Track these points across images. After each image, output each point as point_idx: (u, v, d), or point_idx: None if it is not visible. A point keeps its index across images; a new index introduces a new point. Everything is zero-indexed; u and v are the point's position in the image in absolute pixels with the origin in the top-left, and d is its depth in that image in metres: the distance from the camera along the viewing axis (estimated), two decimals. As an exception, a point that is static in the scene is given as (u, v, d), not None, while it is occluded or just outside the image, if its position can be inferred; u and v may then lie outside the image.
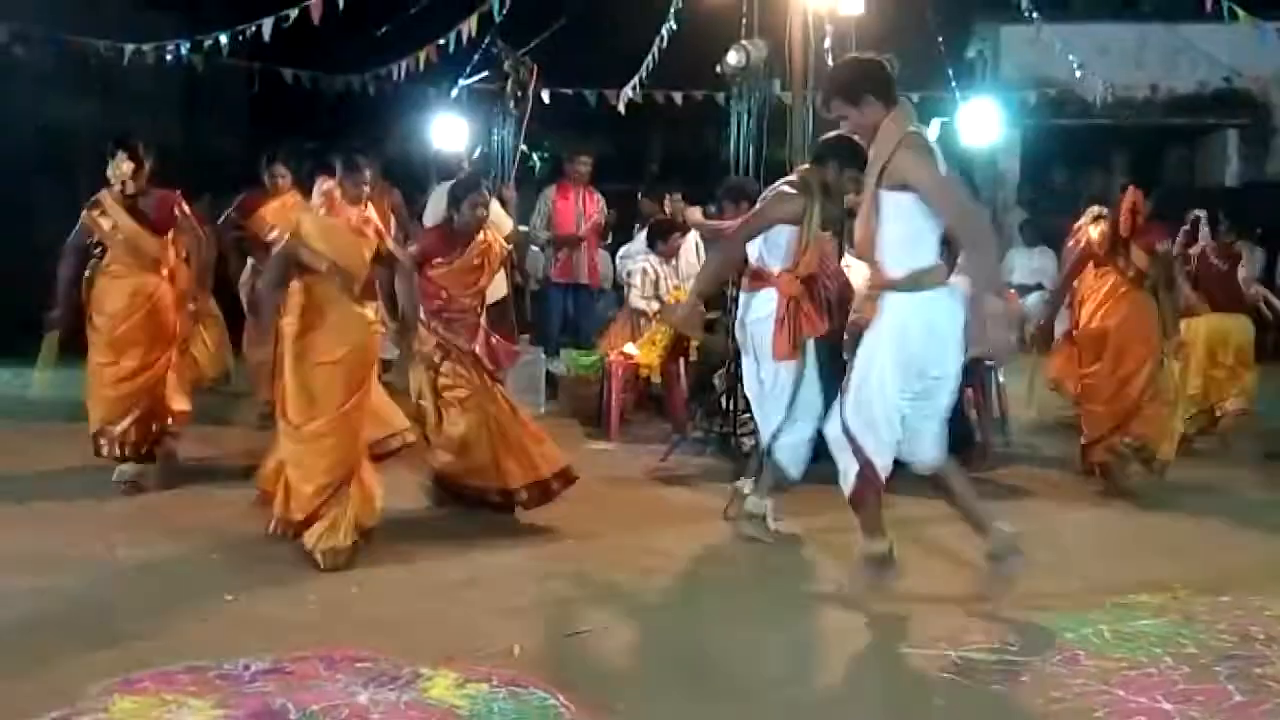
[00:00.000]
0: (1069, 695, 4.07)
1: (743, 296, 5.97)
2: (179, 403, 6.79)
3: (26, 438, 7.89)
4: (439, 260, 6.08)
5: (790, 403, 5.73)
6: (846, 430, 4.80)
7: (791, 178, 5.92)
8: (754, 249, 5.84)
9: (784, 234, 5.73)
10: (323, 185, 5.52)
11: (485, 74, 10.47)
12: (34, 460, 7.25)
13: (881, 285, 4.82)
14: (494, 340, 6.37)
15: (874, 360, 4.77)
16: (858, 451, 4.79)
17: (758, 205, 6.00)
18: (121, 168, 6.51)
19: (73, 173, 7.91)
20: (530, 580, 5.22)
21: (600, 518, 6.24)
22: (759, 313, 5.80)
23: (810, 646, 4.53)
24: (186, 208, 6.85)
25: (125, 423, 6.58)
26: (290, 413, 5.39)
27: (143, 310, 6.62)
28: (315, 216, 5.51)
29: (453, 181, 6.86)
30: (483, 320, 6.33)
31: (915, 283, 4.74)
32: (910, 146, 4.72)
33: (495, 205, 7.25)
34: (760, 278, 5.85)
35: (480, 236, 6.19)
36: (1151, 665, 4.34)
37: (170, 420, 6.76)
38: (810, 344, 5.82)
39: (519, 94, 9.88)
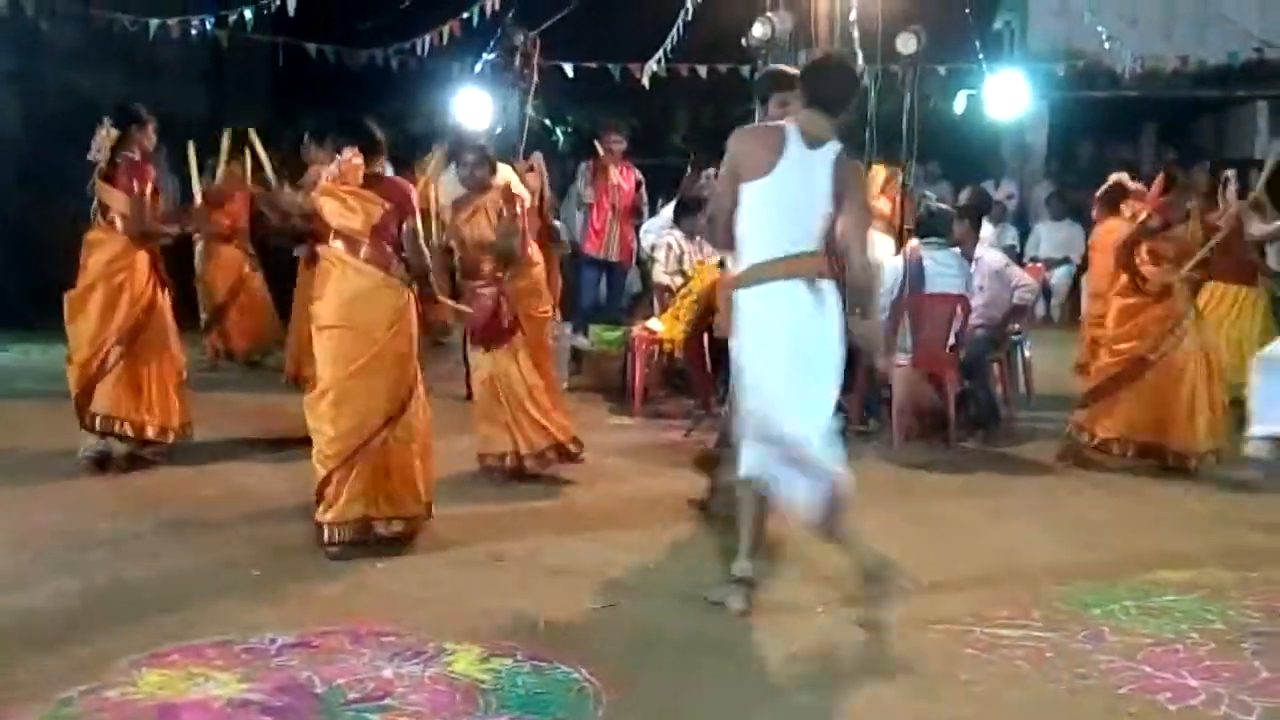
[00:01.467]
0: (1095, 671, 4.06)
1: None
2: None
3: (55, 413, 7.92)
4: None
5: None
6: None
7: None
8: None
9: None
10: (346, 155, 5.49)
11: (493, 49, 10.44)
12: (61, 436, 7.28)
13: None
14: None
15: None
16: None
17: None
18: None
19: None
20: (553, 556, 5.23)
21: (622, 494, 6.25)
22: None
23: (836, 621, 4.51)
24: None
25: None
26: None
27: None
28: (323, 184, 5.51)
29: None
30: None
31: None
32: None
33: (513, 176, 7.26)
34: None
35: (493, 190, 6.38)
36: (1178, 641, 4.32)
37: None
38: None
39: (524, 69, 9.85)
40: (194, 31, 11.11)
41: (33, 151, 12.14)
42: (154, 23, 10.74)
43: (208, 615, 4.41)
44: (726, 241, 4.62)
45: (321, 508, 5.16)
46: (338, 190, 5.35)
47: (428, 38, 11.38)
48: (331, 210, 5.34)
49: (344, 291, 5.29)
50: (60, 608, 4.49)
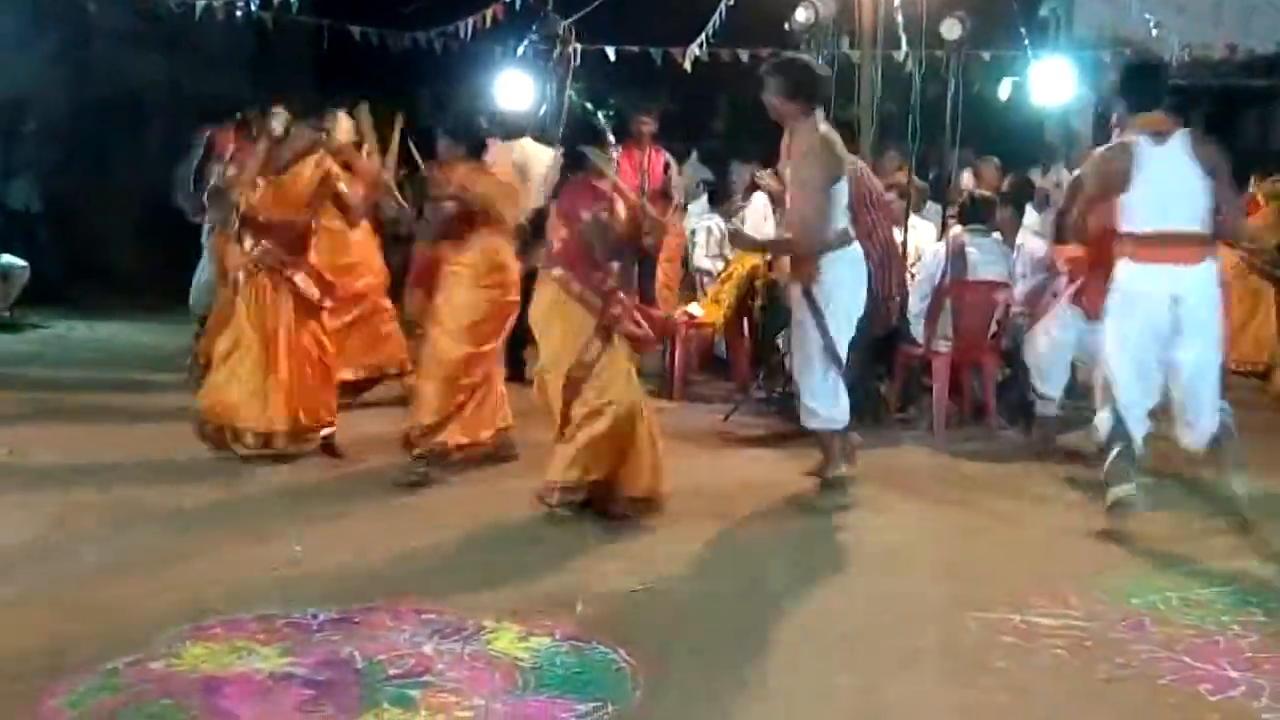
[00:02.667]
0: (1134, 661, 4.04)
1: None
2: None
3: (101, 388, 8.03)
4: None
5: None
6: None
7: None
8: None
9: None
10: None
11: (534, 33, 10.45)
12: (108, 411, 7.39)
13: None
14: None
15: None
16: None
17: None
18: None
19: (145, 129, 8.03)
20: (594, 538, 5.25)
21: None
22: None
23: (872, 608, 4.51)
24: None
25: None
26: None
27: None
28: None
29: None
30: None
31: None
32: None
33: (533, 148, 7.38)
34: None
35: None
36: (1219, 633, 4.29)
37: None
38: None
39: (560, 56, 9.88)
40: (238, 14, 11.18)
41: (79, 132, 12.28)
42: (199, 5, 10.80)
43: (251, 590, 4.46)
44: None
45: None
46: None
47: (470, 21, 11.40)
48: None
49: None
50: (105, 580, 4.55)
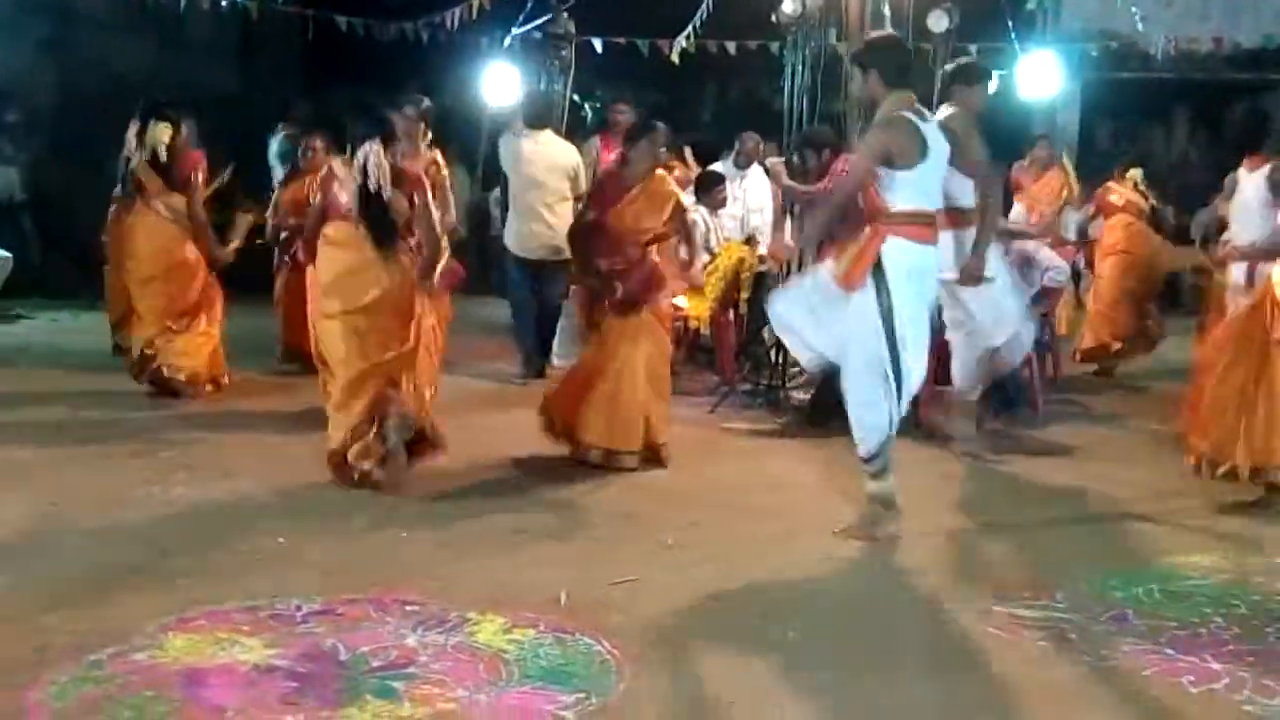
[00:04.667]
0: (1117, 654, 4.06)
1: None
2: None
3: (89, 380, 8.00)
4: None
5: None
6: None
7: None
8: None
9: None
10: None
11: (540, 22, 10.42)
12: (94, 402, 7.36)
13: None
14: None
15: None
16: None
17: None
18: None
19: (130, 118, 8.01)
20: (578, 528, 5.26)
21: (646, 470, 6.26)
22: None
23: (856, 601, 4.52)
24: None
25: None
26: None
27: None
28: None
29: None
30: None
31: None
32: None
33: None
34: None
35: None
36: (1201, 625, 4.32)
37: None
38: None
39: (563, 54, 9.88)
40: (224, 3, 11.13)
41: (65, 122, 12.22)
42: (184, -5, 10.76)
43: (234, 581, 4.45)
44: None
45: None
46: None
47: (457, 11, 11.36)
48: None
49: None
50: (88, 572, 4.53)
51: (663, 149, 6.65)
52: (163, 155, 7.43)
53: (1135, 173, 9.70)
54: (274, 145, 10.48)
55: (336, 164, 5.86)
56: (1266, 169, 6.68)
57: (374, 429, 5.67)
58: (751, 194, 9.21)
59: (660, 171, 6.60)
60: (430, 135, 7.12)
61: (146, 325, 7.56)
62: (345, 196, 5.72)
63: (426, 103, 7.08)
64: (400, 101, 6.75)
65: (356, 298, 5.67)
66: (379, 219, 5.65)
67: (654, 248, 6.41)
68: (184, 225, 7.55)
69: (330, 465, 5.76)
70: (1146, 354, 9.53)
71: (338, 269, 5.75)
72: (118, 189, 7.63)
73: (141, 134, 7.43)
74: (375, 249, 5.67)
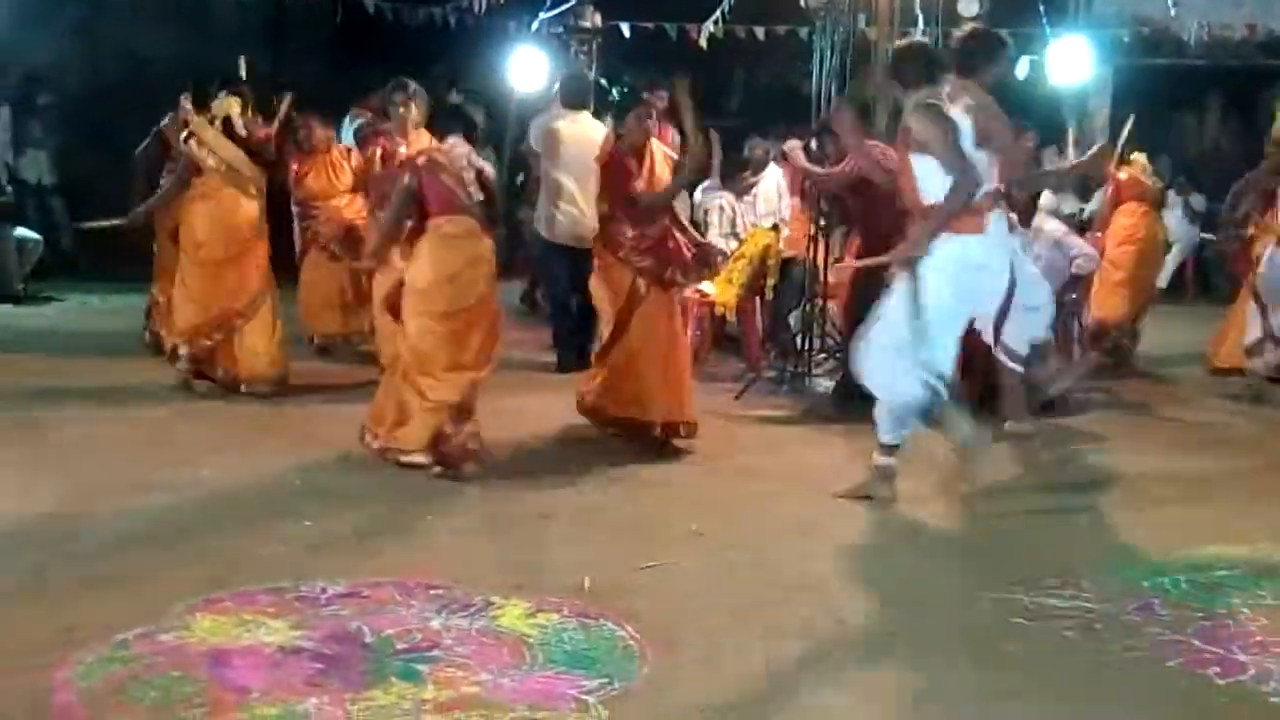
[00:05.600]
0: (1144, 644, 4.03)
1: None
2: None
3: (116, 361, 8.05)
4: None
5: None
6: None
7: None
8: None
9: None
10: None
11: (565, 8, 10.41)
12: (122, 383, 7.41)
13: None
14: None
15: None
16: None
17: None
18: None
19: (158, 103, 8.07)
20: (602, 514, 5.26)
21: (672, 455, 6.26)
22: None
23: (881, 587, 4.51)
24: None
25: None
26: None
27: None
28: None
29: None
30: None
31: None
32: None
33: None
34: None
35: None
36: (1229, 616, 4.28)
37: None
38: None
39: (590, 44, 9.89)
40: (252, -12, 11.19)
41: (92, 106, 12.28)
42: (214, -22, 10.81)
43: (261, 563, 4.48)
44: None
45: None
46: None
47: (485, -4, 11.39)
48: None
49: None
50: (115, 553, 4.57)
51: (651, 120, 6.58)
52: (239, 129, 7.20)
53: (1140, 157, 9.48)
54: (347, 129, 10.42)
55: (441, 150, 5.74)
56: None
57: (463, 426, 5.63)
58: (761, 201, 9.05)
59: (653, 140, 6.56)
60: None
61: (198, 311, 7.14)
62: (455, 185, 5.57)
63: (414, 86, 7.18)
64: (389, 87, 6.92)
65: (465, 298, 5.54)
66: (493, 214, 5.57)
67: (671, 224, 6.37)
68: (252, 198, 7.25)
69: (432, 453, 5.64)
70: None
71: (450, 268, 5.55)
72: (170, 174, 7.48)
73: (201, 110, 7.25)
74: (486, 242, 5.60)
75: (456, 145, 5.57)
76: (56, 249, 11.27)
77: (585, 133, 8.24)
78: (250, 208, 7.23)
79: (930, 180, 5.22)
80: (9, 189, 11.15)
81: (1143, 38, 14.34)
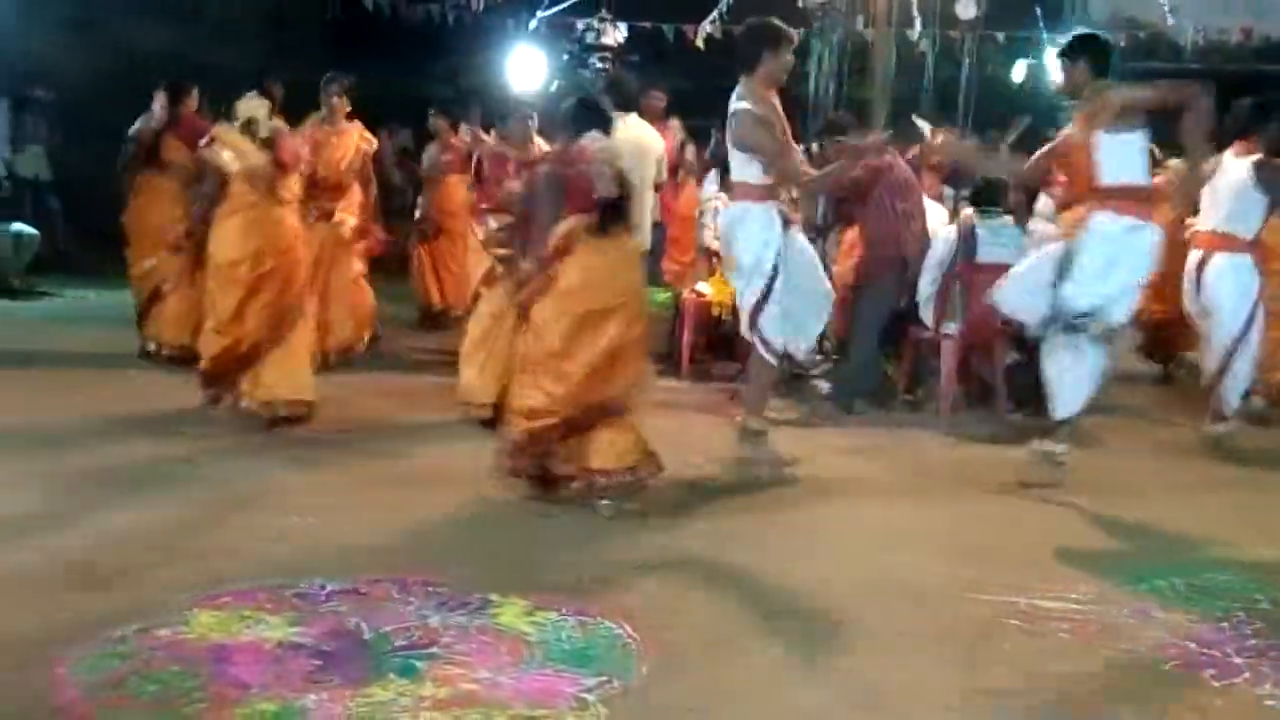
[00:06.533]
0: (1139, 646, 4.05)
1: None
2: None
3: (112, 355, 8.05)
4: None
5: None
6: None
7: None
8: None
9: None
10: None
11: (585, 45, 10.43)
12: (121, 379, 7.41)
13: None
14: None
15: None
16: None
17: None
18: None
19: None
20: (601, 515, 5.26)
21: (668, 455, 6.25)
22: None
23: (878, 587, 4.52)
24: None
25: None
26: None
27: None
28: None
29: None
30: None
31: None
32: None
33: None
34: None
35: None
36: (1224, 620, 4.29)
37: None
38: None
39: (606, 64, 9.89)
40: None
41: (89, 102, 12.28)
42: (212, -27, 10.81)
43: (260, 560, 4.48)
44: None
45: None
46: None
47: (482, -8, 11.40)
48: None
49: None
50: (114, 548, 4.57)
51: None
52: (262, 131, 6.49)
53: (1176, 163, 9.27)
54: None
55: (593, 147, 5.41)
56: (1252, 158, 6.67)
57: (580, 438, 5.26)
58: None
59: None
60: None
61: (225, 340, 6.41)
62: (601, 184, 5.29)
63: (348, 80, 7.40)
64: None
65: (607, 299, 5.25)
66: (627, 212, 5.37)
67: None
68: (286, 205, 6.59)
69: (514, 453, 5.33)
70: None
71: (593, 274, 5.25)
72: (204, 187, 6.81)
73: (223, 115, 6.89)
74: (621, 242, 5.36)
75: (596, 140, 5.43)
76: (53, 244, 11.26)
77: (635, 135, 8.02)
78: (284, 216, 6.55)
79: (1116, 160, 5.58)
80: (6, 184, 11.12)
81: (1138, 41, 14.39)
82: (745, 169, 5.98)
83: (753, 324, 5.98)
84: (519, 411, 5.31)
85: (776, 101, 5.93)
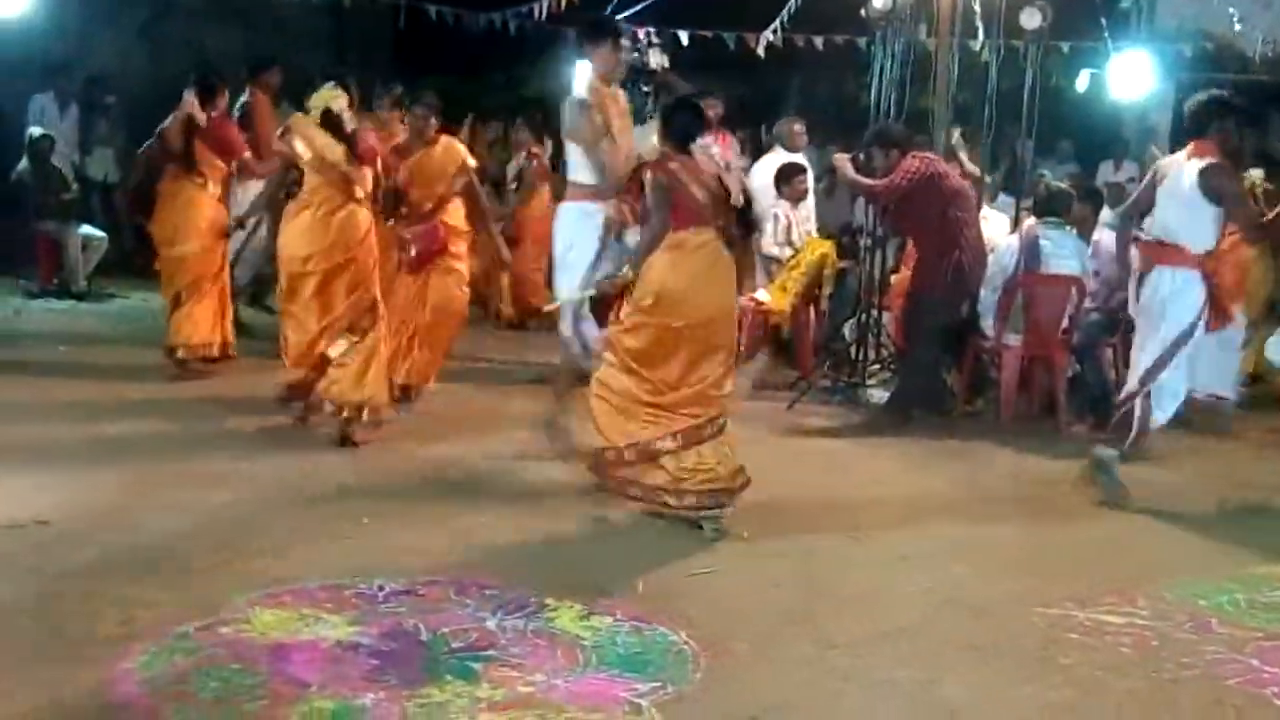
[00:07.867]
0: (1200, 662, 4.00)
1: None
2: None
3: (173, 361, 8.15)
4: None
5: None
6: None
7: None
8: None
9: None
10: None
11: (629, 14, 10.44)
12: (184, 380, 7.51)
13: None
14: None
15: None
16: None
17: None
18: None
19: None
20: (655, 520, 5.26)
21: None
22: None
23: (934, 600, 4.49)
24: None
25: None
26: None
27: None
28: None
29: None
30: None
31: None
32: None
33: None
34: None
35: None
36: (1287, 637, 4.23)
37: None
38: None
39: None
40: (317, -9, 11.32)
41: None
42: (278, -18, 10.95)
43: (320, 560, 4.54)
44: None
45: None
46: None
47: (546, 2, 11.44)
48: None
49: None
50: (175, 547, 4.64)
51: (432, 119, 7.03)
52: (347, 124, 6.23)
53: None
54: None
55: (699, 156, 5.23)
56: (1202, 163, 5.80)
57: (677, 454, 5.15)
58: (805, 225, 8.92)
59: (445, 139, 7.13)
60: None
61: (305, 329, 6.24)
62: (700, 193, 5.14)
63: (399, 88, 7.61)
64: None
65: (698, 311, 5.12)
66: (739, 218, 5.29)
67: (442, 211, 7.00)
68: (360, 203, 6.31)
69: (595, 465, 5.35)
70: None
71: (685, 283, 5.12)
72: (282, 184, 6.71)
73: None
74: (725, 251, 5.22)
75: (709, 146, 5.35)
76: (121, 247, 11.41)
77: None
78: (358, 214, 6.28)
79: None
80: (75, 187, 11.30)
81: (1206, 52, 14.17)
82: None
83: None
84: (618, 431, 5.20)
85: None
